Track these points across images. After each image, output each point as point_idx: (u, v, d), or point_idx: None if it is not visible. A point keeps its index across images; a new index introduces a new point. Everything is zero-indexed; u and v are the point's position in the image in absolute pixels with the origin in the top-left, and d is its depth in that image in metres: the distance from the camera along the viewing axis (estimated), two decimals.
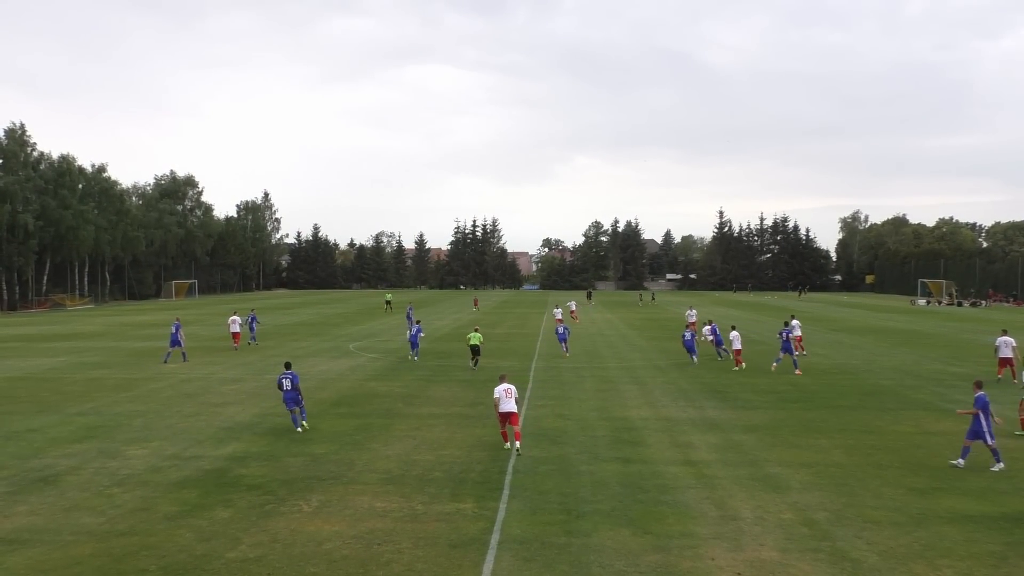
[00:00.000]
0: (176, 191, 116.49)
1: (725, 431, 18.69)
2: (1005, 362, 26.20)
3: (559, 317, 46.09)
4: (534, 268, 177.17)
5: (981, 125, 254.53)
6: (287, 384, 18.91)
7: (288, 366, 19.81)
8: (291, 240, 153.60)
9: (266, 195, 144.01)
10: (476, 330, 32.09)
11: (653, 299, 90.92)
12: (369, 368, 30.38)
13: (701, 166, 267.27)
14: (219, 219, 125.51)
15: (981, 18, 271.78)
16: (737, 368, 29.41)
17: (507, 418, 16.68)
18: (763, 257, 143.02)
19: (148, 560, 10.60)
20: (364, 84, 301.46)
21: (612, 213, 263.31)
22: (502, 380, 17.44)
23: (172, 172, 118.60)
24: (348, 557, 10.67)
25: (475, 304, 77.07)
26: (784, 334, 29.94)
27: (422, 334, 33.68)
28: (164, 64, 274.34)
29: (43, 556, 10.77)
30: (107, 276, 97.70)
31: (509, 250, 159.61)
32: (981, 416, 15.18)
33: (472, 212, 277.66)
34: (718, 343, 33.07)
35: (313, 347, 38.44)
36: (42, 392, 24.86)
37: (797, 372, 28.42)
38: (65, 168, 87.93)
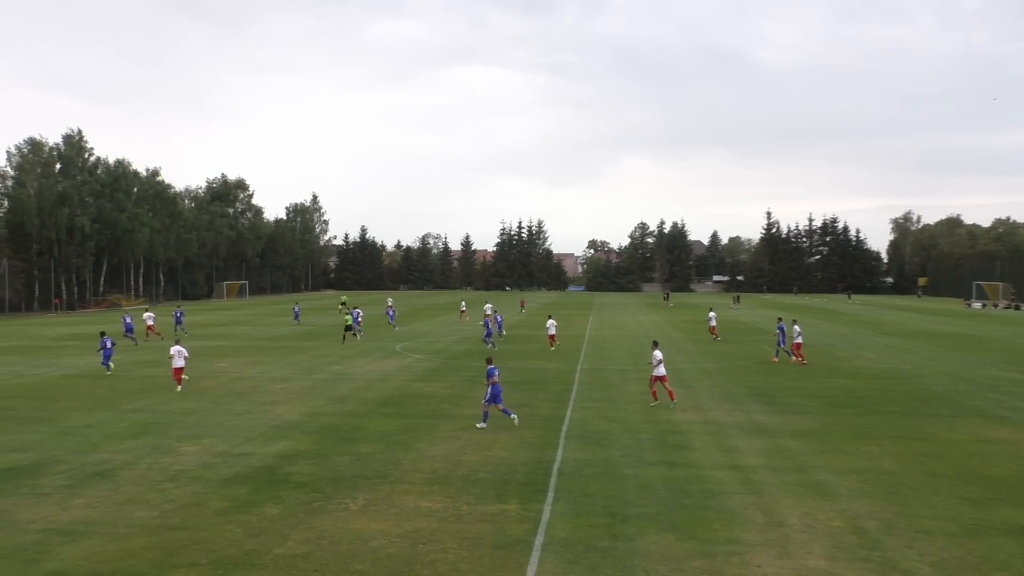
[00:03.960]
0: (227, 194, 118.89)
1: (772, 436, 18.42)
2: (798, 347, 32.36)
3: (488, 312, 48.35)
4: (580, 269, 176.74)
5: None
6: (109, 343, 29.16)
7: (103, 334, 30.09)
8: (339, 242, 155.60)
9: (315, 197, 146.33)
10: (347, 314, 43.45)
11: (738, 301, 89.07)
12: (415, 369, 30.63)
13: (749, 166, 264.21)
14: (269, 221, 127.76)
15: None
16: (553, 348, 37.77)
17: (179, 371, 25.14)
18: (812, 259, 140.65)
19: (199, 554, 10.85)
20: (411, 86, 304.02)
21: (658, 214, 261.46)
22: (177, 342, 26.35)
23: (223, 175, 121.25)
24: (393, 556, 10.78)
25: (522, 305, 77.05)
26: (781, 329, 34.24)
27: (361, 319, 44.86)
28: (214, 69, 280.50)
29: (99, 548, 11.09)
30: (161, 277, 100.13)
31: (555, 251, 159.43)
32: (491, 384, 19.20)
33: (518, 214, 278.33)
34: (488, 333, 39.51)
35: (360, 347, 38.88)
36: (99, 389, 25.59)
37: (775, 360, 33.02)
38: (120, 172, 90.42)
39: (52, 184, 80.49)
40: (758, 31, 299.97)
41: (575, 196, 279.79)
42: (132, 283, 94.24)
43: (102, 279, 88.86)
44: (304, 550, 10.99)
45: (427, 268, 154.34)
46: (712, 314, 44.59)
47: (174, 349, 25.64)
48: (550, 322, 39.56)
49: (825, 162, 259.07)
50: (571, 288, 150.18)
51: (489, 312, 51.80)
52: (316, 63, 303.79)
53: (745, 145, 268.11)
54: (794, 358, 32.40)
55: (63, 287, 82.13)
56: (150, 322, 44.17)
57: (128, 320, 43.21)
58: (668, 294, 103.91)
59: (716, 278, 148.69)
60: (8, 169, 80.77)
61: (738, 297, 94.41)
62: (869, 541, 11.38)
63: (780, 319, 36.81)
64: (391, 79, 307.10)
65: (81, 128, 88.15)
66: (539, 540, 11.34)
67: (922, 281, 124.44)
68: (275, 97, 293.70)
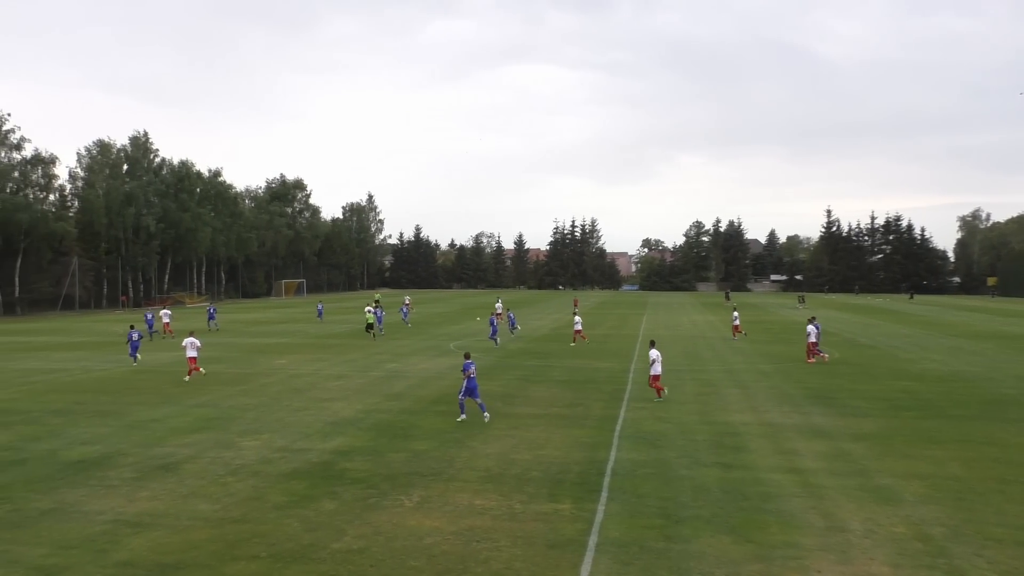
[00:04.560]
0: (286, 194, 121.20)
1: (832, 439, 18.01)
2: (813, 346, 32.28)
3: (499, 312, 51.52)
4: (633, 269, 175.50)
5: None
6: (136, 336, 31.97)
7: (132, 326, 33.38)
8: (394, 241, 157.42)
9: (370, 197, 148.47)
10: (369, 311, 43.70)
11: (803, 301, 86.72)
12: None
13: (809, 164, 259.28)
14: (326, 221, 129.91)
15: None
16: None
17: (192, 361, 26.96)
18: (874, 258, 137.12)
19: (259, 547, 11.06)
20: (466, 85, 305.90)
21: (714, 213, 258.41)
22: (191, 334, 28.07)
23: (281, 175, 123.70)
24: (448, 553, 10.84)
25: (575, 304, 76.75)
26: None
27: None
28: (274, 70, 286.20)
29: (163, 539, 11.40)
30: (222, 275, 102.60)
31: (608, 250, 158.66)
32: (467, 378, 19.79)
33: (571, 212, 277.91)
34: (494, 331, 40.07)
35: (414, 345, 39.22)
36: (163, 384, 26.33)
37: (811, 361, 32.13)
38: (184, 172, 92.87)
39: (119, 185, 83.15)
40: (819, 25, 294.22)
41: (629, 195, 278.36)
42: (195, 281, 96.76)
43: (166, 277, 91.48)
44: (360, 545, 11.13)
45: (480, 267, 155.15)
46: (735, 313, 46.10)
47: (187, 340, 27.59)
48: (576, 319, 42.61)
49: (888, 159, 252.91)
50: (624, 287, 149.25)
51: (500, 310, 51.71)
52: (373, 63, 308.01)
53: (804, 142, 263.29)
54: (809, 357, 32.44)
55: (129, 285, 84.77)
56: (166, 319, 46.51)
57: (149, 317, 45.99)
58: (728, 293, 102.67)
59: (774, 277, 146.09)
60: (78, 170, 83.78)
61: (803, 297, 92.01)
62: (935, 548, 11.03)
63: (814, 319, 36.33)
64: (446, 78, 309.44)
65: (147, 130, 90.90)
66: (593, 540, 11.29)
67: (991, 281, 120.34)
68: (332, 98, 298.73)
